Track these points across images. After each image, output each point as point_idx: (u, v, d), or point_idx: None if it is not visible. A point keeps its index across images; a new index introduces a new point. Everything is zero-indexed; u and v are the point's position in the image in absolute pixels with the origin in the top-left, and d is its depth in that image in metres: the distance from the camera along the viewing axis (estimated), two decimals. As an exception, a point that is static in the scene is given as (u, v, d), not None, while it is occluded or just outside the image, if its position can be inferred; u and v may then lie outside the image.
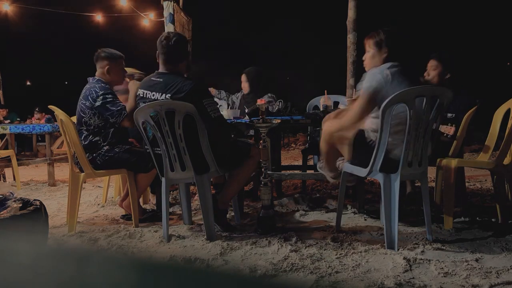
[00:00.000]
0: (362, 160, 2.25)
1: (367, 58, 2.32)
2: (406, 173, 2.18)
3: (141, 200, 3.03)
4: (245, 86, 3.74)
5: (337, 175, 2.60)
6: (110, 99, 2.70)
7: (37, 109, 8.57)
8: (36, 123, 6.84)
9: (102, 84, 2.76)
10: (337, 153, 2.50)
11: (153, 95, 2.38)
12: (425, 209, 2.25)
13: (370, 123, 2.27)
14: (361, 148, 2.28)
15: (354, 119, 2.22)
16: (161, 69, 2.46)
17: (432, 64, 2.84)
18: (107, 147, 2.72)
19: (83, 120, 2.74)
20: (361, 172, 2.27)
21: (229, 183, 2.60)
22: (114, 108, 2.68)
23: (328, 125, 2.42)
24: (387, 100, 2.05)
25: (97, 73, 2.86)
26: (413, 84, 2.12)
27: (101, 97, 2.69)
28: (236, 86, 3.92)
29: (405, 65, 2.19)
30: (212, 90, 3.79)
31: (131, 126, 2.71)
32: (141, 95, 2.45)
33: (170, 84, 2.34)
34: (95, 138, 2.73)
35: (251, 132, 3.36)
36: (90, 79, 2.84)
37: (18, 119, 8.46)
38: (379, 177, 2.19)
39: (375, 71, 2.17)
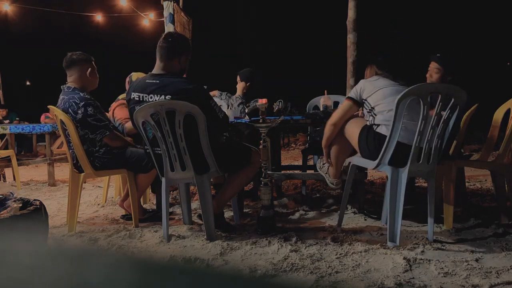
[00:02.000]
0: (371, 153, 2.28)
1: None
2: (414, 169, 2.18)
3: (141, 200, 3.02)
4: (239, 86, 3.70)
5: (339, 182, 2.63)
6: (91, 112, 2.59)
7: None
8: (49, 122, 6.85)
9: (81, 94, 2.64)
10: (347, 154, 2.53)
11: (151, 97, 2.32)
12: (429, 208, 2.25)
13: (381, 118, 2.31)
14: (368, 141, 2.30)
15: (333, 118, 2.48)
16: (156, 70, 2.41)
17: (434, 66, 2.84)
18: (104, 149, 2.68)
19: (66, 132, 2.65)
20: (370, 164, 2.29)
21: (224, 188, 2.58)
22: (94, 123, 2.60)
23: (349, 123, 2.51)
24: (402, 93, 2.09)
25: (70, 80, 2.72)
26: (392, 79, 2.39)
27: (82, 109, 2.58)
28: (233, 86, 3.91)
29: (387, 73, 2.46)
30: (214, 93, 3.76)
31: (112, 144, 2.67)
32: (137, 99, 2.37)
33: (168, 85, 2.31)
34: (84, 147, 2.64)
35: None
36: (64, 88, 2.71)
37: (17, 118, 8.47)
38: (387, 170, 2.21)
39: (359, 82, 2.49)
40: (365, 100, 2.38)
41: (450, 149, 2.68)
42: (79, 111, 2.59)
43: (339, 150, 2.52)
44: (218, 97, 3.78)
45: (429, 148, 2.19)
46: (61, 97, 2.70)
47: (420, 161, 2.18)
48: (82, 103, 2.60)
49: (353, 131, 2.41)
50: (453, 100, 2.12)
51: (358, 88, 2.42)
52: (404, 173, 2.16)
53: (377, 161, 2.23)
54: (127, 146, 2.77)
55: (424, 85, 2.11)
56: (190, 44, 2.56)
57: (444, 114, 2.15)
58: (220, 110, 2.40)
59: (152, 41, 2.49)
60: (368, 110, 2.39)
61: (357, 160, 2.43)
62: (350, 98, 2.44)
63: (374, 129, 2.31)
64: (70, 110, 2.60)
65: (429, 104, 2.09)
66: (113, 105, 3.26)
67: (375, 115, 2.34)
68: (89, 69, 2.72)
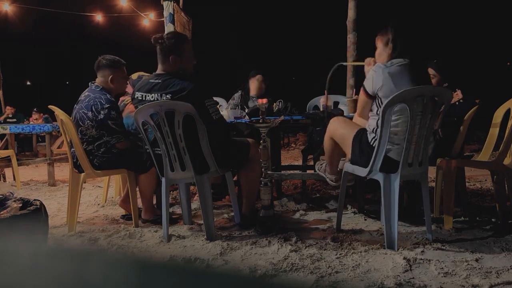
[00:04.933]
0: (363, 160, 2.26)
1: (376, 55, 2.33)
2: (406, 173, 2.17)
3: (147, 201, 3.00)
4: (260, 87, 3.72)
5: (338, 178, 2.61)
6: (114, 116, 2.64)
7: (35, 109, 8.60)
8: (35, 123, 6.88)
9: (108, 96, 2.69)
10: (340, 153, 2.51)
11: (152, 96, 2.34)
12: (425, 209, 2.26)
13: (372, 123, 2.27)
14: (362, 147, 2.28)
15: (357, 110, 2.37)
16: (159, 69, 2.44)
17: (430, 72, 2.80)
18: (103, 149, 2.69)
19: (79, 129, 2.66)
20: (361, 171, 2.27)
21: (243, 192, 2.70)
22: (114, 127, 2.64)
23: (334, 122, 2.44)
24: (387, 100, 2.06)
25: (98, 81, 2.78)
26: (416, 80, 2.11)
27: (106, 110, 2.62)
28: (232, 86, 3.92)
29: (411, 61, 2.16)
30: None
31: (122, 147, 2.70)
32: (140, 98, 2.40)
33: (170, 85, 2.33)
34: (89, 147, 2.68)
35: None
36: (92, 86, 2.76)
37: (26, 118, 8.51)
38: (379, 177, 2.19)
39: (376, 69, 2.16)
40: (380, 98, 2.15)
41: (450, 149, 2.68)
42: (102, 112, 2.62)
43: (333, 146, 2.49)
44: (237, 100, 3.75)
45: (420, 152, 2.18)
46: (86, 93, 2.73)
47: (412, 166, 2.18)
48: (107, 105, 2.63)
49: (346, 135, 2.35)
50: (438, 100, 2.11)
51: (376, 83, 2.13)
52: (396, 179, 2.15)
53: (368, 168, 2.20)
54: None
55: (408, 90, 2.07)
56: (184, 39, 2.51)
57: (431, 115, 2.13)
58: (215, 112, 2.39)
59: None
60: (378, 111, 2.15)
61: (350, 167, 2.38)
62: (365, 91, 2.21)
63: (375, 143, 2.19)
64: (93, 108, 2.63)
65: (415, 109, 2.06)
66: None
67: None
68: (111, 76, 2.75)
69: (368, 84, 2.19)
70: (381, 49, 2.26)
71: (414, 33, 2.28)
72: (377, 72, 2.14)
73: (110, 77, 2.75)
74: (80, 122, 2.66)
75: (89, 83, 2.80)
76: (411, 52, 2.19)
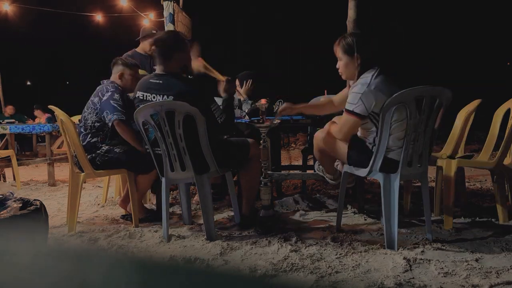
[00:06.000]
0: (362, 160, 2.26)
1: (341, 67, 2.29)
2: (406, 173, 2.17)
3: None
4: (238, 90, 3.70)
5: (336, 176, 2.61)
6: (117, 98, 2.74)
7: (35, 106, 8.61)
8: (38, 122, 6.87)
9: (115, 84, 2.84)
10: (333, 157, 2.51)
11: (154, 97, 2.35)
12: (425, 209, 2.26)
13: (372, 136, 2.25)
14: (361, 148, 2.27)
15: (340, 136, 2.29)
16: (158, 70, 2.45)
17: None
18: (107, 147, 2.71)
19: (83, 115, 2.81)
20: (361, 172, 2.27)
21: (243, 192, 2.69)
22: (115, 105, 2.71)
23: (318, 135, 2.41)
24: (387, 102, 2.06)
25: (112, 77, 2.93)
26: (404, 85, 2.11)
27: (110, 93, 2.74)
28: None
29: (384, 70, 2.17)
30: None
31: (122, 133, 2.72)
32: (141, 98, 2.42)
33: (171, 86, 2.33)
34: (93, 140, 2.73)
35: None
36: (104, 81, 2.89)
37: (25, 117, 8.50)
38: (379, 177, 2.19)
39: (360, 90, 2.13)
40: (375, 113, 2.13)
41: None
42: (106, 94, 2.75)
43: (323, 155, 2.48)
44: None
45: (420, 152, 2.17)
46: (98, 87, 2.87)
47: (412, 166, 2.17)
48: (112, 90, 2.77)
49: (337, 146, 2.33)
50: (438, 100, 2.10)
51: (368, 103, 2.11)
52: (396, 179, 2.14)
53: (368, 168, 2.20)
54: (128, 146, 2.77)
55: (408, 91, 2.06)
56: (181, 38, 2.53)
57: (431, 116, 2.13)
58: (220, 115, 2.40)
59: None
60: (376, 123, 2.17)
61: (349, 168, 2.37)
62: (357, 115, 2.15)
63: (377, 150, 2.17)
64: (99, 93, 2.78)
65: (415, 110, 2.06)
66: None
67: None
68: (120, 72, 2.88)
69: (358, 107, 2.13)
70: (348, 60, 2.24)
71: (380, 40, 2.22)
72: (364, 93, 2.12)
73: (120, 72, 2.88)
74: (85, 108, 2.80)
75: (101, 81, 2.93)
76: (381, 60, 2.20)
